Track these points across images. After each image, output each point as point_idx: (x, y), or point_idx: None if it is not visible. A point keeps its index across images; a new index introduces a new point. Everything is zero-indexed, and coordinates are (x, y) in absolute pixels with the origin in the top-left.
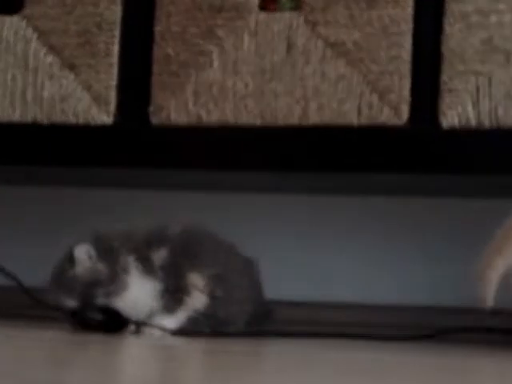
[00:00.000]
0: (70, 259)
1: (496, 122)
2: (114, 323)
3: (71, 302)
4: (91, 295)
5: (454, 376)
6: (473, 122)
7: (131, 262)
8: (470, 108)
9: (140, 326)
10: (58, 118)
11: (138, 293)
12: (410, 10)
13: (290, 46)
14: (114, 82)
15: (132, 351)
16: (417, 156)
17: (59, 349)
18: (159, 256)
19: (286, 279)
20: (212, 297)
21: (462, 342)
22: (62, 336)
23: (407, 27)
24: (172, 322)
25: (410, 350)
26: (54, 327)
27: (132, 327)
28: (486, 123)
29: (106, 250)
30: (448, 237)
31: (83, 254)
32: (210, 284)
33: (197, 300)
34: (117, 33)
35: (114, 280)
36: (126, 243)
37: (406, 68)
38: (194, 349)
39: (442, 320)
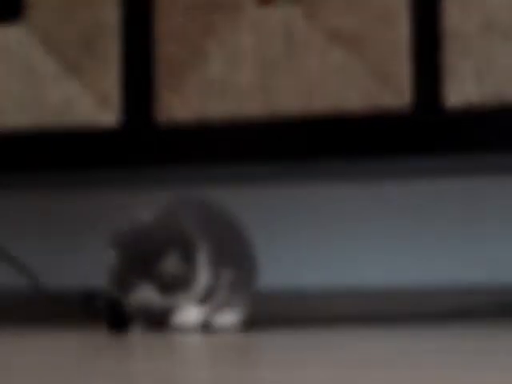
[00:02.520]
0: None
1: (499, 101)
2: (118, 320)
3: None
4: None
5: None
6: (476, 102)
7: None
8: (472, 88)
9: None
10: (63, 121)
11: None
12: None
13: (289, 39)
14: (117, 84)
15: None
16: (421, 139)
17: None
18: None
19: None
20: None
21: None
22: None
23: (405, 10)
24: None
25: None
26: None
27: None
28: (489, 102)
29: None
30: (458, 221)
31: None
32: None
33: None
34: (117, 34)
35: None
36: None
37: (405, 51)
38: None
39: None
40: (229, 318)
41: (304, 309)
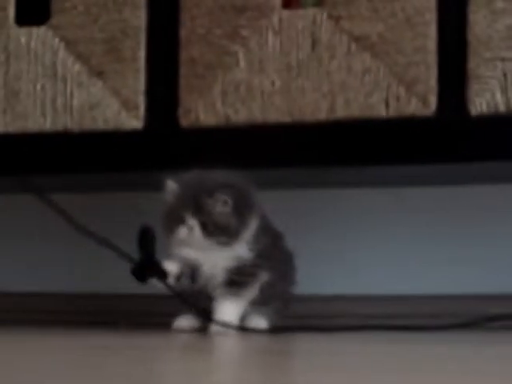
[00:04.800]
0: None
1: None
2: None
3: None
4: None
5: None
6: (502, 108)
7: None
8: (498, 94)
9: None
10: (89, 125)
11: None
12: None
13: (314, 42)
14: (141, 87)
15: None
16: (447, 146)
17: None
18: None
19: (323, 273)
20: None
21: (495, 331)
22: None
23: (431, 16)
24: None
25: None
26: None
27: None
28: None
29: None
30: (476, 225)
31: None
32: None
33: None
34: (142, 38)
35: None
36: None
37: (432, 58)
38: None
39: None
40: (260, 321)
41: (329, 314)
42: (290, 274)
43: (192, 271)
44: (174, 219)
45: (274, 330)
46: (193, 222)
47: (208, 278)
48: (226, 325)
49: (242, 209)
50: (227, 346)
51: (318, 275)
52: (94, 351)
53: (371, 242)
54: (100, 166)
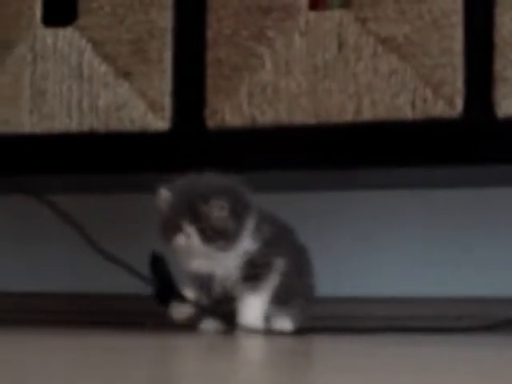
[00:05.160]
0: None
1: None
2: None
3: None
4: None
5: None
6: None
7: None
8: None
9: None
10: (115, 125)
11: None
12: (459, 1)
13: (341, 44)
14: (168, 88)
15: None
16: (473, 148)
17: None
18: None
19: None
20: None
21: None
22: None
23: (458, 19)
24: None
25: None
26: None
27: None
28: None
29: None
30: (501, 229)
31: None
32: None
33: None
34: (169, 39)
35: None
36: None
37: (458, 60)
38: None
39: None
40: (285, 323)
41: (350, 315)
42: (306, 267)
43: (207, 281)
44: (170, 227)
45: (297, 331)
46: (190, 230)
47: (224, 282)
48: (250, 328)
49: (239, 211)
50: (251, 347)
51: (341, 277)
52: (110, 351)
53: (395, 243)
54: (125, 166)
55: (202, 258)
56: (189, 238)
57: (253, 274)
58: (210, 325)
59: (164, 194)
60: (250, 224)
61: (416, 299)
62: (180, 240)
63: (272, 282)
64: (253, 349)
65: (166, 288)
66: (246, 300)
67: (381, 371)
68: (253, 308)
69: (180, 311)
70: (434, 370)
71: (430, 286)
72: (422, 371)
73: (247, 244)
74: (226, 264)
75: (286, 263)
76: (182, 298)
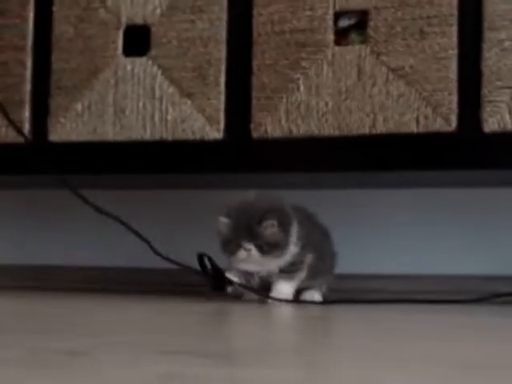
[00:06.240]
0: (259, 222)
1: None
2: (219, 282)
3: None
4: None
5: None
6: (509, 127)
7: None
8: (507, 115)
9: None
10: (180, 135)
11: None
12: (454, 39)
13: (360, 72)
14: (222, 106)
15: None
16: (465, 156)
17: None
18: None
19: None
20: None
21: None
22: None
23: (453, 53)
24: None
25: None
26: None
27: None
28: None
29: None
30: (487, 221)
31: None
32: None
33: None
34: (223, 67)
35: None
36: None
37: (453, 86)
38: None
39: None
40: (310, 295)
41: (367, 289)
42: (328, 250)
43: (250, 274)
44: (232, 245)
45: (324, 302)
46: (249, 246)
47: (265, 276)
48: (283, 299)
49: (285, 224)
50: (283, 313)
51: (362, 256)
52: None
53: (400, 230)
54: (188, 168)
55: (256, 264)
56: (249, 253)
57: (289, 269)
58: (250, 296)
59: (223, 221)
60: (293, 232)
61: (417, 276)
62: (241, 255)
63: (302, 273)
64: (283, 314)
65: (217, 278)
66: (279, 282)
67: (387, 335)
68: (285, 288)
69: (231, 290)
70: (431, 335)
71: (429, 267)
72: (422, 336)
73: (292, 249)
74: (273, 266)
75: (314, 256)
76: (230, 282)
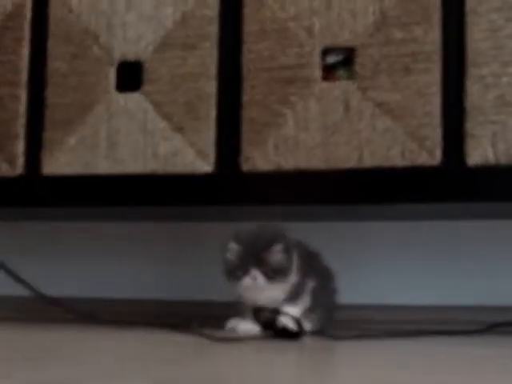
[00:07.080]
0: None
1: (510, 160)
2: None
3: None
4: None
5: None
6: (492, 161)
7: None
8: (489, 149)
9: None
10: (171, 169)
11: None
12: (438, 75)
13: (346, 107)
14: (212, 140)
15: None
16: (449, 189)
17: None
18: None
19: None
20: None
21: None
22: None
23: (437, 89)
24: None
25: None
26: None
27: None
28: (503, 161)
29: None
30: (476, 253)
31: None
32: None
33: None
34: (213, 102)
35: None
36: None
37: (437, 120)
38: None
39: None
40: (309, 325)
41: (365, 321)
42: (329, 283)
43: (259, 308)
44: (239, 271)
45: (320, 332)
46: (256, 272)
47: (270, 304)
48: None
49: (288, 250)
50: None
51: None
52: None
53: (389, 261)
54: (179, 200)
55: (261, 291)
56: (255, 279)
57: (292, 296)
58: (248, 326)
59: (233, 247)
60: (295, 259)
61: (418, 307)
62: (247, 281)
63: (305, 300)
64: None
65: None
66: (286, 308)
67: (384, 366)
68: (291, 311)
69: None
70: (432, 365)
71: (431, 297)
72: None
73: (294, 274)
74: (277, 291)
75: (315, 284)
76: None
